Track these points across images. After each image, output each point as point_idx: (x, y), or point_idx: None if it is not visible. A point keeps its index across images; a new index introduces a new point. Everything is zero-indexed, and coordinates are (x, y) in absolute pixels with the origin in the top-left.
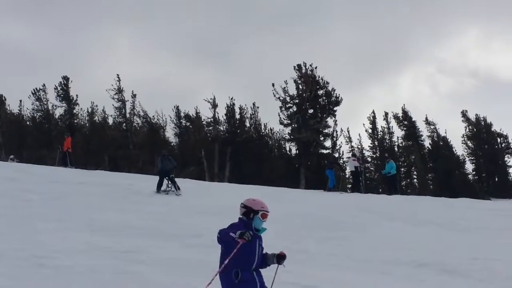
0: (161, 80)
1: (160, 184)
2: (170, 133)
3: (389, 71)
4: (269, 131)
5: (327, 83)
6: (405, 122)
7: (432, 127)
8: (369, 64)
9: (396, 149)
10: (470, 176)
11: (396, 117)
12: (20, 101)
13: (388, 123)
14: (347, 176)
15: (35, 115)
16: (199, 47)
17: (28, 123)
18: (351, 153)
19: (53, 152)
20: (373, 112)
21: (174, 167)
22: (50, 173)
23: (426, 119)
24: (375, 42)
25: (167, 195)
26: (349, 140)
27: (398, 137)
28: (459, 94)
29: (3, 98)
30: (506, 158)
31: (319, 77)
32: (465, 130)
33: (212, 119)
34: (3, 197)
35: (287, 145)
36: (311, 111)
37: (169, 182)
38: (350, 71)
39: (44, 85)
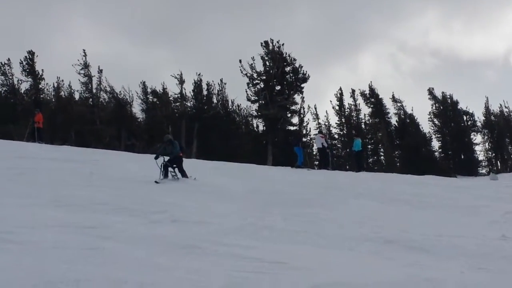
0: (127, 55)
1: (164, 173)
2: (137, 109)
3: (350, 51)
4: (237, 107)
5: (294, 60)
6: (372, 100)
7: (399, 104)
8: (330, 44)
9: (363, 126)
10: (436, 153)
11: (363, 94)
12: None
13: (355, 100)
14: (314, 153)
15: (0, 89)
16: (166, 22)
17: None
18: (318, 130)
19: (19, 127)
20: (340, 89)
21: (170, 153)
22: (15, 148)
23: (393, 96)
24: (334, 22)
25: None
26: (316, 117)
27: (365, 114)
28: (421, 73)
29: None
30: (472, 136)
31: (286, 53)
32: (432, 107)
33: (179, 95)
34: None
35: (255, 121)
36: (278, 87)
37: (173, 169)
38: (312, 50)
39: (9, 59)
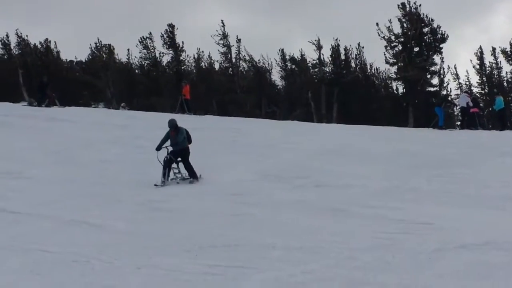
0: (264, 24)
1: (163, 173)
2: (276, 76)
3: (481, 12)
4: (375, 70)
5: (432, 20)
6: None
7: None
8: (460, 5)
9: (505, 84)
10: None
11: (504, 52)
12: (128, 50)
13: (496, 58)
14: (456, 113)
15: (143, 63)
16: None
17: (136, 71)
18: (459, 88)
19: (162, 99)
20: (480, 48)
21: (175, 143)
22: (159, 119)
23: None
24: None
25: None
26: (457, 77)
27: (506, 72)
28: None
29: (112, 48)
30: None
31: (423, 14)
32: None
33: (317, 60)
34: (116, 144)
35: (394, 84)
36: (416, 49)
37: (177, 165)
38: (441, 11)
39: (150, 33)
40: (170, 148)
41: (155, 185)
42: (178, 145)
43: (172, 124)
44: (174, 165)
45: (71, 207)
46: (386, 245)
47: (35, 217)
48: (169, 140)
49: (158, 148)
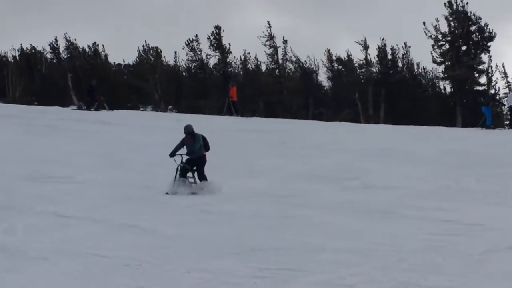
0: (310, 24)
1: (181, 175)
2: (323, 77)
3: None
4: (422, 70)
5: (479, 18)
6: None
7: None
8: (507, 1)
9: None
10: None
11: None
12: (175, 52)
13: None
14: (504, 112)
15: (190, 65)
16: None
17: (184, 73)
18: (507, 88)
19: (209, 101)
20: None
21: (191, 151)
22: (207, 122)
23: None
24: None
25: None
26: (505, 75)
27: None
28: None
29: (159, 50)
30: None
31: (470, 12)
32: None
33: (364, 61)
34: (164, 147)
35: (441, 83)
36: (464, 48)
37: (192, 174)
38: (487, 9)
39: (196, 35)
40: (185, 157)
41: (167, 193)
42: (194, 153)
43: (188, 130)
44: (189, 174)
45: (121, 211)
46: (435, 247)
47: (86, 221)
48: (184, 147)
49: (172, 154)
